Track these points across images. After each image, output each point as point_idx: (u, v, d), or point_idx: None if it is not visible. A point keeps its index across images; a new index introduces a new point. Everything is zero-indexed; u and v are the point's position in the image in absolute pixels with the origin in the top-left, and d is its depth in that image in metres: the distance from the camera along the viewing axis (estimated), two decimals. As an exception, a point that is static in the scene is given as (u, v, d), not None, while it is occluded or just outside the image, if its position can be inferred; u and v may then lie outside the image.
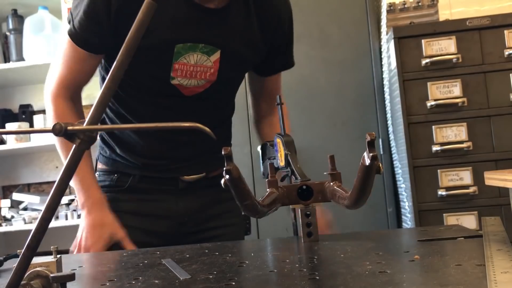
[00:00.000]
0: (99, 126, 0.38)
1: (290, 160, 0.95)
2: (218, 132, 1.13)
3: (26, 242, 0.39)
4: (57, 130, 0.36)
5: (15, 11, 2.77)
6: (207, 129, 0.37)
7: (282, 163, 1.01)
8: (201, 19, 1.05)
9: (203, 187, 1.18)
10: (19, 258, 0.41)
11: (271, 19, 1.14)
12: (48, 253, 0.68)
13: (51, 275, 0.42)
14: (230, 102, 1.25)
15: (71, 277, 0.42)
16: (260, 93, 1.29)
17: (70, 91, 1.11)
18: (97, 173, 1.21)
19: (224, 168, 0.51)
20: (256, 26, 1.12)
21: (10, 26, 2.77)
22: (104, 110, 0.41)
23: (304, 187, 0.82)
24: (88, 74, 1.11)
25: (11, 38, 2.75)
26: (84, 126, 0.37)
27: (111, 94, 0.38)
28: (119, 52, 0.39)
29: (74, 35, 1.04)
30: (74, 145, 0.37)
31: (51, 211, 0.38)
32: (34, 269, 0.43)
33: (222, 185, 0.53)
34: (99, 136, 1.20)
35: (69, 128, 0.36)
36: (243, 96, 2.50)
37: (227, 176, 0.51)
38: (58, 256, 0.69)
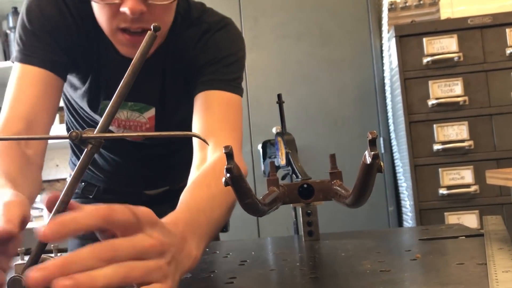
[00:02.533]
0: (108, 134, 0.45)
1: (291, 158, 0.94)
2: (181, 153, 1.01)
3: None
4: (74, 137, 0.43)
5: (15, 9, 2.77)
6: (201, 137, 0.47)
7: (283, 161, 1.01)
8: None
9: (167, 198, 1.15)
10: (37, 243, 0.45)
11: (195, 61, 0.96)
12: (49, 251, 0.68)
13: None
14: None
15: None
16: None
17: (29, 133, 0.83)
18: (69, 178, 1.27)
19: (225, 166, 0.50)
20: (186, 73, 0.98)
21: (11, 24, 2.76)
22: (111, 121, 0.46)
23: (305, 185, 0.82)
24: (51, 106, 0.88)
25: (12, 36, 2.75)
26: (96, 134, 0.44)
27: (118, 107, 0.46)
28: (126, 73, 0.47)
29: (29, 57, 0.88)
30: (86, 149, 0.45)
31: (68, 199, 0.46)
32: (42, 257, 0.47)
33: (223, 183, 0.53)
34: (71, 145, 1.20)
35: (84, 135, 0.44)
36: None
37: (228, 175, 0.51)
38: (59, 254, 0.69)
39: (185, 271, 0.53)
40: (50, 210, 0.45)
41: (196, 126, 0.90)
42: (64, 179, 2.93)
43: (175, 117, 1.04)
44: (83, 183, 1.20)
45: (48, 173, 2.99)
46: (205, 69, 0.95)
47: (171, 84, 0.99)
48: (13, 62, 0.91)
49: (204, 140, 0.47)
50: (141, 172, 1.16)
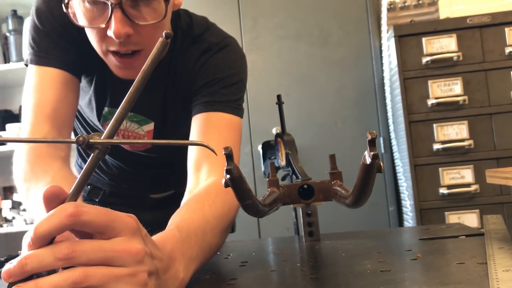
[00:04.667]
0: (115, 140, 0.44)
1: (291, 159, 0.95)
2: (184, 161, 0.95)
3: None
4: (81, 142, 0.42)
5: (14, 11, 2.77)
6: (212, 148, 0.44)
7: (283, 162, 1.01)
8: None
9: (173, 201, 1.09)
10: None
11: (196, 81, 0.96)
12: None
13: None
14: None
15: None
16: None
17: (58, 128, 0.86)
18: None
19: (225, 168, 0.50)
20: (184, 91, 0.97)
21: (10, 27, 2.76)
22: (119, 127, 0.45)
23: (305, 186, 0.82)
24: (72, 103, 0.90)
25: (11, 38, 2.75)
26: (103, 139, 0.44)
27: (126, 113, 0.45)
28: (136, 78, 0.44)
29: (44, 59, 0.89)
30: (92, 154, 0.44)
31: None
32: None
33: (223, 184, 0.53)
34: (77, 147, 1.20)
35: (91, 140, 0.43)
36: (243, 96, 2.50)
37: (228, 176, 0.51)
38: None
39: None
40: (46, 204, 0.43)
41: (192, 149, 0.88)
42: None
43: (174, 133, 1.02)
44: (89, 186, 1.20)
45: (48, 175, 2.99)
46: (204, 90, 0.93)
47: (172, 100, 0.98)
48: (26, 65, 0.91)
49: (212, 150, 0.44)
50: (145, 176, 1.16)
